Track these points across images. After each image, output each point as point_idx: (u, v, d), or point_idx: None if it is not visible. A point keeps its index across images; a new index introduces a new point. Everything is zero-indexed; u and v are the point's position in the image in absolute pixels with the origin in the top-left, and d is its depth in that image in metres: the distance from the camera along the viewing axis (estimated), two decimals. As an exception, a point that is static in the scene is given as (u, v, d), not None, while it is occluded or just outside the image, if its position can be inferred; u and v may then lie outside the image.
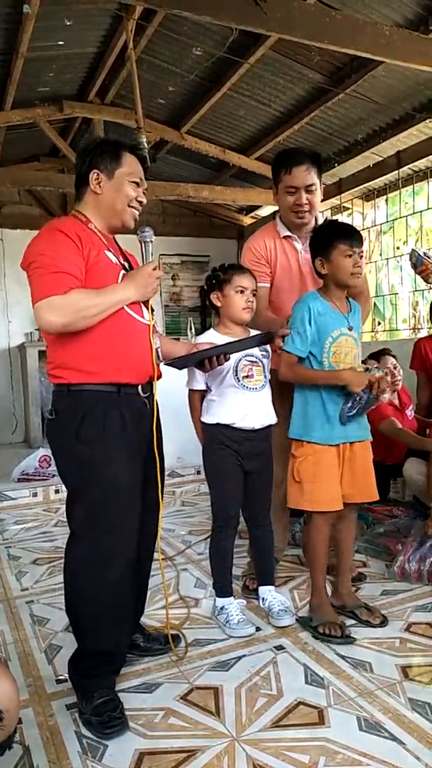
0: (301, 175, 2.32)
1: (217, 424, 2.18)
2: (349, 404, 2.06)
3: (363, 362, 2.20)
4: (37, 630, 2.25)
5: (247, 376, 2.16)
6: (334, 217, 6.09)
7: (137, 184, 1.81)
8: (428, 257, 2.29)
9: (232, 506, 2.22)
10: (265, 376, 2.21)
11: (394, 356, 3.43)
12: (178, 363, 1.98)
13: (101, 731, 1.62)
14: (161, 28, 3.98)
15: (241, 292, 2.17)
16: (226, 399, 2.17)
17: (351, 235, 2.09)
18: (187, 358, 1.99)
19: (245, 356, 2.16)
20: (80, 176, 1.81)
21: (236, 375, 2.15)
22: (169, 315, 7.42)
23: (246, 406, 2.16)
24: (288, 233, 2.44)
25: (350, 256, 2.07)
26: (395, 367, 3.33)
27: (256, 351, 2.19)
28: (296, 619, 2.19)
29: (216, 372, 2.14)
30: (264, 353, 2.23)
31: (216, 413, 2.18)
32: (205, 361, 1.99)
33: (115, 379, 1.72)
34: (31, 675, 1.94)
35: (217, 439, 2.18)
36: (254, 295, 2.21)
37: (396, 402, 3.41)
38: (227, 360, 2.03)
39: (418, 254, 2.41)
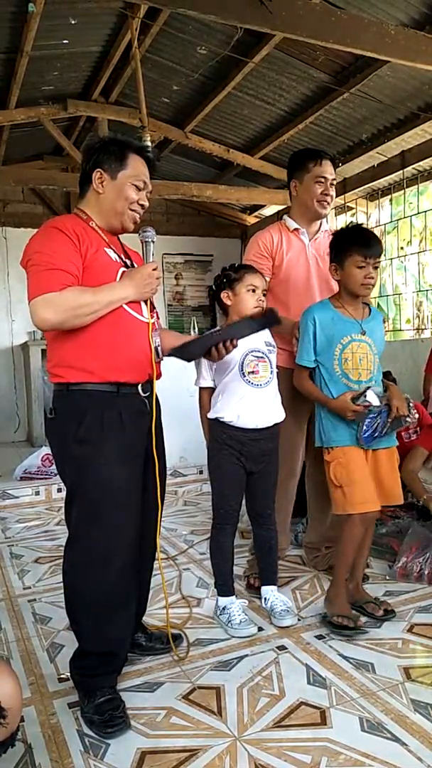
0: (329, 168, 2.48)
1: (218, 421, 2.17)
2: (364, 428, 2.05)
3: (382, 379, 2.20)
4: (39, 628, 2.26)
5: (252, 372, 2.15)
6: (338, 217, 6.08)
7: (139, 187, 1.80)
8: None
9: (231, 506, 2.21)
10: (271, 372, 2.20)
11: (394, 379, 3.41)
12: (183, 354, 1.91)
13: (103, 730, 1.61)
14: (166, 27, 3.97)
15: (253, 291, 2.17)
16: (230, 394, 2.16)
17: (367, 246, 2.07)
18: (192, 349, 1.93)
19: (251, 351, 2.15)
20: (84, 174, 1.81)
21: (242, 370, 2.14)
22: (173, 314, 7.42)
23: (249, 402, 2.15)
24: (297, 226, 2.50)
25: (362, 267, 2.06)
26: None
27: (262, 346, 2.18)
28: (298, 619, 2.19)
29: (222, 368, 2.13)
30: (270, 348, 2.22)
31: (218, 409, 2.17)
32: (212, 349, 1.94)
33: (114, 378, 1.71)
34: (33, 673, 1.94)
35: (221, 439, 2.17)
36: (265, 295, 2.22)
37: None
38: (235, 346, 1.97)
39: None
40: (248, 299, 2.17)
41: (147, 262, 1.81)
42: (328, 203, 2.49)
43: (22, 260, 1.72)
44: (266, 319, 2.04)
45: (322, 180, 2.45)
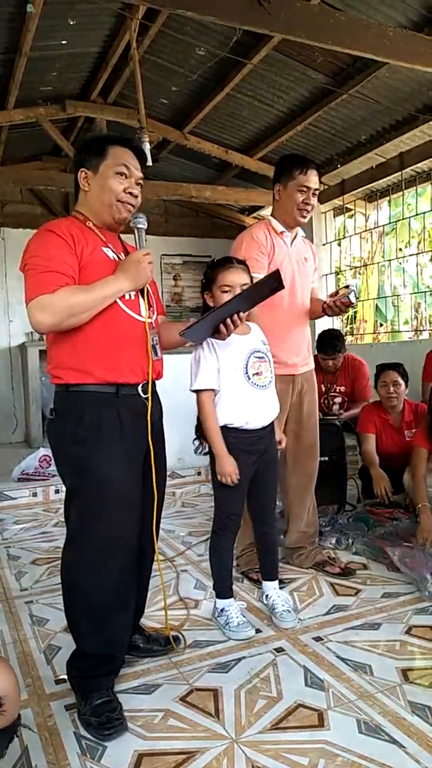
0: (313, 178, 2.51)
1: (226, 427, 2.09)
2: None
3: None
4: (36, 630, 2.25)
5: (257, 374, 2.10)
6: (337, 218, 6.08)
7: (124, 174, 1.76)
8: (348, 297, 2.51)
9: (235, 512, 2.19)
10: (271, 372, 2.17)
11: (406, 372, 3.43)
12: (193, 335, 1.90)
13: (100, 732, 1.61)
14: (164, 28, 3.97)
15: (227, 291, 2.03)
16: (236, 398, 2.08)
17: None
18: (199, 329, 1.89)
19: (254, 353, 2.11)
20: (74, 178, 1.81)
21: (246, 373, 2.08)
22: (171, 315, 7.41)
23: (255, 404, 2.10)
24: (282, 229, 2.57)
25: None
26: (395, 384, 3.40)
27: (260, 345, 2.14)
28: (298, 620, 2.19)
29: (227, 371, 2.06)
30: (267, 346, 2.18)
31: (226, 415, 2.08)
32: (221, 326, 1.91)
33: (113, 379, 1.70)
34: (30, 675, 1.94)
35: (230, 444, 2.08)
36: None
37: (391, 418, 3.45)
38: (241, 319, 1.93)
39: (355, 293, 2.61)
40: (223, 300, 2.01)
41: (139, 249, 1.79)
42: (308, 212, 2.55)
43: (20, 266, 1.72)
44: (268, 283, 1.92)
45: (305, 189, 2.49)
